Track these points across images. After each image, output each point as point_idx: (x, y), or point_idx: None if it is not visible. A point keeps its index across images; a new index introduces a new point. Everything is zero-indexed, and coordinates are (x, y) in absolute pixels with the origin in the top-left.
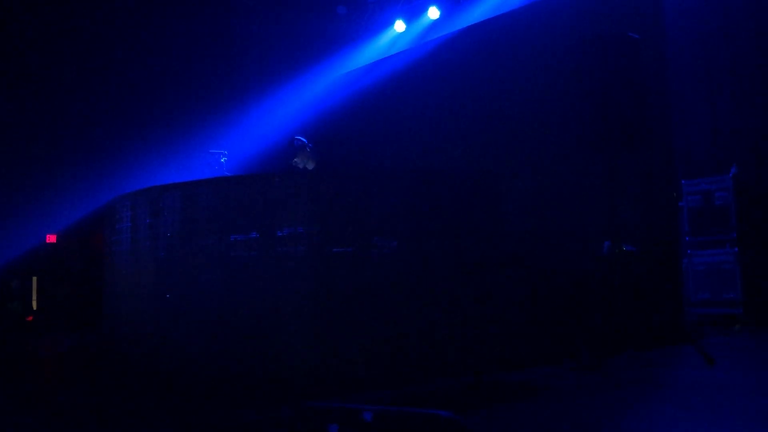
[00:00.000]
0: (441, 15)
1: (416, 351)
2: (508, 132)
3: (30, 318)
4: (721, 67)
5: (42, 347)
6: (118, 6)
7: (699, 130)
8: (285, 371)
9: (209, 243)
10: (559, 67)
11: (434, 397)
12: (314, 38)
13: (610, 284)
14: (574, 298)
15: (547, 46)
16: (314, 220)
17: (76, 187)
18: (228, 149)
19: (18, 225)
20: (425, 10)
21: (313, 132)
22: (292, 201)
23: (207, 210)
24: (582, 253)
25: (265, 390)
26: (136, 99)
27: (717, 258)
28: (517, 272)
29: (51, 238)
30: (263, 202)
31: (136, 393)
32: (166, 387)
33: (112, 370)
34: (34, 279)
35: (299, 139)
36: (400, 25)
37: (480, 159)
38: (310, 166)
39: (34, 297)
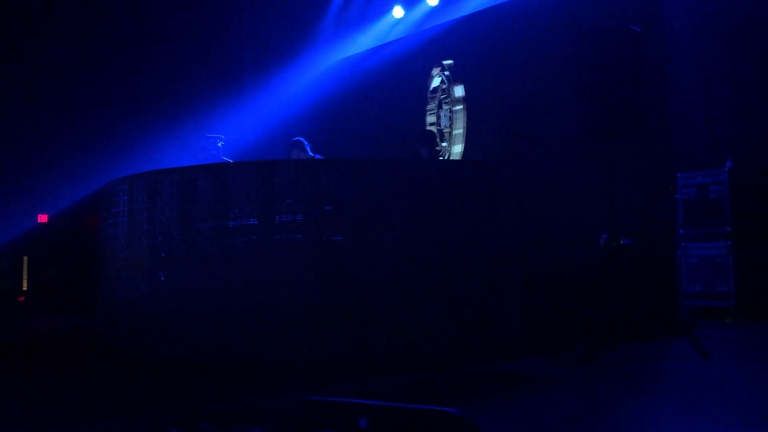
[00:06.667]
0: (440, 2)
1: (409, 341)
2: (507, 123)
3: (22, 298)
4: (719, 60)
5: (34, 329)
6: None
7: (695, 123)
8: (281, 359)
9: (207, 228)
10: (560, 58)
11: (427, 387)
12: (311, 23)
13: (606, 277)
14: (569, 290)
15: (547, 36)
16: (313, 209)
17: (70, 167)
18: (225, 134)
19: (9, 204)
20: None
21: (307, 120)
22: (291, 189)
23: (205, 195)
24: (578, 246)
25: (263, 378)
26: (133, 82)
27: (710, 251)
28: (512, 263)
29: (42, 218)
30: (262, 188)
31: (131, 379)
32: (161, 373)
33: (108, 354)
34: (25, 259)
35: (298, 139)
36: (398, 11)
37: (479, 150)
38: None
39: (25, 277)
